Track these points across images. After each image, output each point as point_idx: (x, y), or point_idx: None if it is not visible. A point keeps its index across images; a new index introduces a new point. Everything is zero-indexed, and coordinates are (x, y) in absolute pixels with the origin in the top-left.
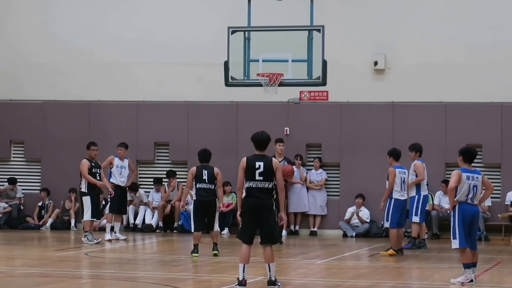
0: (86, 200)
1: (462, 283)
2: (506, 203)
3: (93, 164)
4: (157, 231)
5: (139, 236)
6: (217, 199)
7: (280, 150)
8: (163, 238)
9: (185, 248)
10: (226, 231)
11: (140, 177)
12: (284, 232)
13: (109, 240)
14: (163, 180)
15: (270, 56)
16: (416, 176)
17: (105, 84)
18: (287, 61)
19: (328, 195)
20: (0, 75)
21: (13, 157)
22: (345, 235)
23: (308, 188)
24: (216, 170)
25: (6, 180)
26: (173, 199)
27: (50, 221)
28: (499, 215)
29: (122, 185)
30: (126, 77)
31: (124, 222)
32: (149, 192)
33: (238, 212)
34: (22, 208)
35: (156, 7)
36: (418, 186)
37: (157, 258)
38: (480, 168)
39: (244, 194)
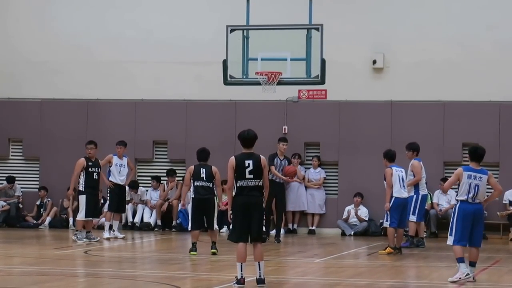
0: (82, 199)
1: (460, 278)
2: (504, 202)
3: (90, 164)
4: (156, 229)
5: (137, 235)
6: (215, 197)
7: (283, 150)
8: (162, 236)
9: (184, 247)
10: (225, 229)
11: (138, 176)
12: (282, 231)
13: (108, 239)
14: (162, 178)
15: (268, 55)
16: (414, 176)
17: (104, 82)
18: (285, 59)
19: (326, 194)
20: None
21: (12, 155)
22: (343, 234)
23: (306, 187)
24: (214, 168)
25: (4, 178)
26: (171, 197)
27: (48, 219)
28: (498, 213)
29: (122, 183)
30: (124, 76)
31: (123, 221)
32: (147, 190)
33: (230, 212)
34: (20, 206)
35: (154, 5)
36: (416, 185)
37: (155, 257)
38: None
39: (234, 193)
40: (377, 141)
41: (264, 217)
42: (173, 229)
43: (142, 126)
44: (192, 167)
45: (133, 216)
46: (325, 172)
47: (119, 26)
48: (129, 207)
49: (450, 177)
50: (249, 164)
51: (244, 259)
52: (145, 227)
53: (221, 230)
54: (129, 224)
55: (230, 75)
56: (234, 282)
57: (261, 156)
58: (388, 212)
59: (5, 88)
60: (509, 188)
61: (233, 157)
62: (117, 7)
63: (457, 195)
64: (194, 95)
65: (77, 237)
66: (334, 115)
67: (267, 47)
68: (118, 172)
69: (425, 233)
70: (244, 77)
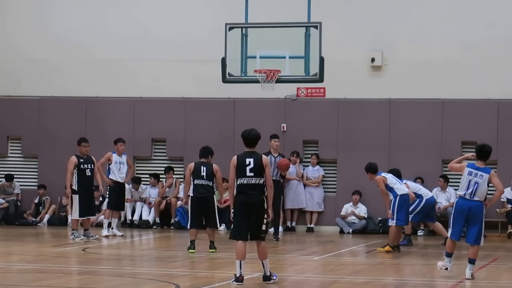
0: (75, 199)
1: (440, 268)
2: (502, 199)
3: (81, 160)
4: (154, 227)
5: (136, 232)
6: (214, 195)
7: (276, 146)
8: (160, 234)
9: (182, 244)
10: (223, 227)
11: (137, 173)
12: (280, 229)
13: (106, 236)
14: (160, 176)
15: (267, 53)
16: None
17: (103, 80)
18: (284, 57)
19: (325, 192)
20: None
21: (10, 153)
22: (342, 232)
23: (305, 185)
24: (215, 167)
25: (3, 176)
26: (169, 195)
27: (47, 217)
28: (497, 210)
29: (121, 181)
30: (123, 74)
31: (121, 218)
32: (146, 188)
33: (232, 210)
34: (19, 204)
35: (153, 3)
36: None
37: (154, 254)
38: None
39: (235, 191)
40: (376, 139)
41: (267, 216)
42: (172, 227)
43: (141, 124)
44: (192, 164)
45: (132, 214)
46: (324, 170)
47: (118, 24)
48: (128, 205)
49: (448, 174)
50: (250, 162)
51: (243, 256)
52: (143, 224)
53: (219, 228)
54: (128, 221)
55: (228, 73)
56: (233, 280)
57: (263, 155)
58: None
59: (4, 86)
60: (507, 186)
61: (235, 156)
62: (116, 5)
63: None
64: (192, 93)
65: (74, 236)
66: (332, 113)
67: (265, 45)
68: (118, 169)
69: (422, 230)
70: (243, 75)
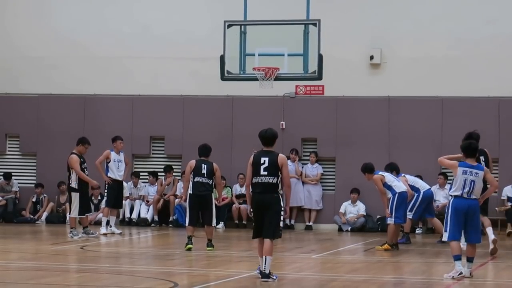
0: (75, 197)
1: (453, 277)
2: (502, 197)
3: (82, 160)
4: (152, 225)
5: (134, 230)
6: (213, 193)
7: None
8: (158, 232)
9: (180, 242)
10: (221, 225)
11: (135, 171)
12: None
13: (105, 234)
14: (159, 174)
15: (266, 50)
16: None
17: (101, 78)
18: (283, 55)
19: (323, 190)
20: None
21: (9, 151)
22: (340, 230)
23: (303, 183)
24: (215, 165)
25: (1, 174)
26: (168, 193)
27: (45, 214)
28: (496, 208)
29: (120, 179)
30: (121, 71)
31: (120, 216)
32: (145, 186)
33: (249, 208)
34: (17, 202)
35: (152, 1)
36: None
37: (152, 252)
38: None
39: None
40: (375, 137)
41: (285, 213)
42: (170, 225)
43: (139, 121)
44: (194, 161)
45: (131, 212)
46: (322, 167)
47: (117, 21)
48: (126, 203)
49: (447, 172)
50: (264, 161)
51: (272, 252)
52: (142, 222)
53: (217, 226)
54: (126, 219)
55: (227, 71)
56: (257, 271)
57: (280, 154)
58: (393, 211)
59: (2, 83)
60: (508, 184)
61: (253, 155)
62: (115, 2)
63: (450, 190)
64: (191, 91)
65: (72, 234)
66: (331, 111)
67: (264, 43)
68: (117, 167)
69: (421, 229)
70: (241, 72)
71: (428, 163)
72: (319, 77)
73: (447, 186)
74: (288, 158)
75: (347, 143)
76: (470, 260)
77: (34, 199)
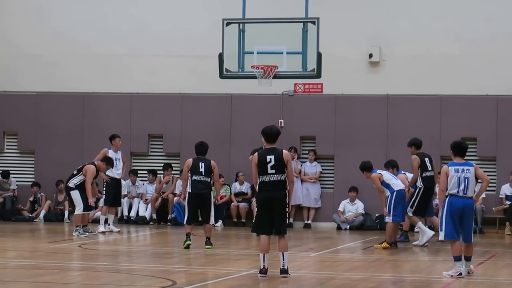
0: (76, 195)
1: (451, 276)
2: (500, 196)
3: (96, 174)
4: (151, 223)
5: (132, 228)
6: (212, 192)
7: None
8: (157, 230)
9: (179, 241)
10: (219, 223)
11: (133, 170)
12: None
13: (103, 232)
14: (158, 172)
15: (264, 48)
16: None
17: (99, 75)
18: (281, 53)
19: (322, 188)
20: None
21: (7, 149)
22: (339, 228)
23: (302, 181)
24: (213, 163)
25: (0, 172)
26: (166, 192)
27: (43, 213)
28: (493, 208)
29: (118, 177)
30: (120, 69)
31: (118, 214)
32: (143, 184)
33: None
34: (15, 200)
35: None
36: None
37: (150, 250)
38: (475, 161)
39: (258, 188)
40: (373, 135)
41: (288, 209)
42: (168, 223)
43: (138, 119)
44: (191, 160)
45: (129, 210)
46: (321, 166)
47: (115, 19)
48: (125, 201)
49: None
50: (270, 159)
51: (267, 250)
52: (140, 221)
53: (216, 225)
54: (125, 218)
55: (226, 69)
56: (258, 273)
57: (283, 151)
58: (391, 209)
59: (0, 81)
60: (506, 182)
61: (256, 153)
62: (113, 0)
63: (447, 189)
64: (190, 89)
65: (78, 233)
66: (330, 109)
67: (263, 41)
68: (115, 166)
69: None
70: (240, 70)
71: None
72: (318, 75)
73: None
74: None
75: (346, 141)
76: (468, 259)
77: (31, 199)
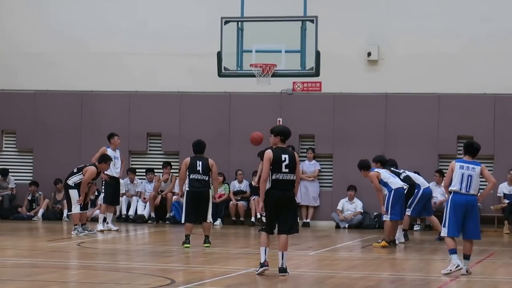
0: (74, 193)
1: (451, 270)
2: (498, 194)
3: (95, 176)
4: (149, 222)
5: (131, 227)
6: (210, 190)
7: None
8: (155, 229)
9: (177, 239)
10: (218, 222)
11: (132, 168)
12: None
13: (101, 231)
14: (155, 170)
15: (263, 47)
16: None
17: (98, 74)
18: (280, 51)
19: (320, 186)
20: None
21: (5, 147)
22: (337, 227)
23: (300, 179)
24: (211, 161)
25: None
26: (165, 190)
27: (41, 211)
28: (491, 207)
29: (117, 176)
30: (119, 67)
31: (117, 213)
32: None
33: (261, 205)
34: (14, 198)
35: None
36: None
37: (149, 249)
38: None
39: (269, 185)
40: (372, 133)
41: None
42: (167, 222)
43: (136, 118)
44: (188, 159)
45: (127, 209)
46: (320, 164)
47: (114, 17)
48: (123, 199)
49: (444, 169)
50: (285, 158)
51: (268, 244)
52: (138, 219)
53: (214, 223)
54: (123, 216)
55: (224, 67)
56: (258, 268)
57: (295, 152)
58: (389, 207)
59: None
60: (504, 181)
61: (269, 150)
62: None
63: (450, 186)
64: (188, 87)
65: (77, 231)
66: (328, 107)
67: (261, 39)
68: (113, 164)
69: (419, 225)
70: (239, 69)
71: (425, 160)
72: (317, 74)
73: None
74: None
75: (345, 140)
76: (466, 257)
77: (29, 197)
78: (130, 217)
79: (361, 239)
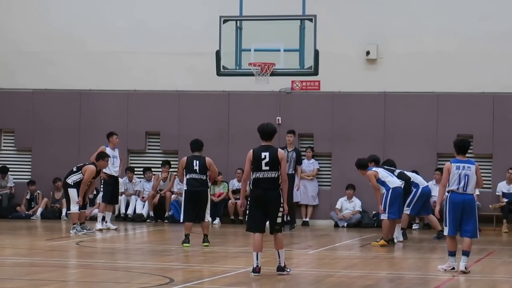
0: (73, 192)
1: (445, 269)
2: (497, 193)
3: (94, 176)
4: (148, 220)
5: (130, 226)
6: (208, 189)
7: (289, 141)
8: (154, 228)
9: (176, 238)
10: (217, 221)
11: (131, 167)
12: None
13: (100, 230)
14: (153, 169)
15: (262, 46)
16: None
17: (97, 73)
18: (279, 50)
19: (319, 185)
20: None
21: (4, 146)
22: (336, 225)
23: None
24: (208, 160)
25: None
26: (164, 189)
27: (40, 210)
28: (490, 206)
29: (115, 174)
30: (117, 66)
31: (115, 212)
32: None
33: (240, 202)
34: (12, 197)
35: None
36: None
37: (148, 248)
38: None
39: (250, 185)
40: (371, 132)
41: (283, 210)
42: (166, 221)
43: (135, 117)
44: (185, 159)
45: (126, 208)
46: (318, 163)
47: (113, 16)
48: (122, 198)
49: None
50: (265, 156)
51: (260, 248)
52: (137, 218)
53: (213, 222)
54: (122, 215)
55: (223, 66)
56: (250, 271)
57: (279, 149)
58: (387, 206)
59: None
60: (502, 180)
61: (251, 150)
62: None
63: (448, 186)
64: (187, 86)
65: (76, 230)
66: (327, 106)
67: (260, 38)
68: (112, 163)
69: (418, 224)
70: (237, 68)
71: (424, 159)
72: (315, 73)
73: None
74: (301, 154)
75: (343, 139)
76: (466, 254)
77: (28, 196)
78: (129, 216)
79: (360, 238)
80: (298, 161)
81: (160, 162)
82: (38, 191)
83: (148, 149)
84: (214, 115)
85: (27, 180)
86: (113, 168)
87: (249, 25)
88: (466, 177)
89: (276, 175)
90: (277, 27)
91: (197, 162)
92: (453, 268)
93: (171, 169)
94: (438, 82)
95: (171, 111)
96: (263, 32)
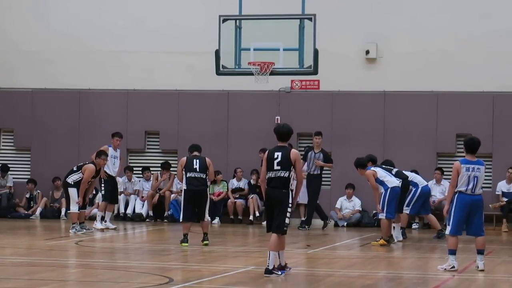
0: (73, 192)
1: (445, 269)
2: (497, 192)
3: (95, 174)
4: (147, 220)
5: (129, 225)
6: (208, 188)
7: (316, 143)
8: (153, 227)
9: (175, 238)
10: (217, 220)
11: (129, 166)
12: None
13: (101, 230)
14: (151, 168)
15: (261, 45)
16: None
17: (96, 72)
18: (278, 50)
19: None
20: None
21: (3, 146)
22: (336, 225)
23: None
24: (208, 160)
25: None
26: (163, 188)
27: (39, 210)
28: (490, 205)
29: (114, 175)
30: (116, 66)
31: (115, 212)
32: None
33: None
34: (11, 197)
35: None
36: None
37: (147, 248)
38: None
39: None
40: (370, 131)
41: (289, 209)
42: (165, 220)
43: (134, 116)
44: (184, 158)
45: (125, 207)
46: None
47: (112, 16)
48: (121, 198)
49: (443, 167)
50: (278, 155)
51: (276, 248)
52: (136, 218)
53: (213, 222)
54: (121, 215)
55: (222, 65)
56: (278, 272)
57: (293, 149)
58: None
59: None
60: (502, 179)
61: (267, 150)
62: None
63: (456, 186)
64: (186, 85)
65: (76, 230)
66: (327, 106)
67: (259, 37)
68: (113, 164)
69: (417, 224)
70: (237, 67)
71: (423, 158)
72: (315, 72)
73: (443, 182)
74: (328, 155)
75: (343, 138)
76: (481, 252)
77: (27, 196)
78: (128, 215)
79: (359, 237)
80: (328, 161)
81: (159, 161)
82: (38, 191)
83: (147, 148)
84: (213, 115)
85: (26, 180)
86: (113, 168)
87: (248, 24)
88: (475, 178)
89: (285, 175)
90: (277, 26)
91: (197, 161)
92: (453, 267)
93: (170, 169)
94: (437, 81)
95: (170, 111)
96: (263, 31)
